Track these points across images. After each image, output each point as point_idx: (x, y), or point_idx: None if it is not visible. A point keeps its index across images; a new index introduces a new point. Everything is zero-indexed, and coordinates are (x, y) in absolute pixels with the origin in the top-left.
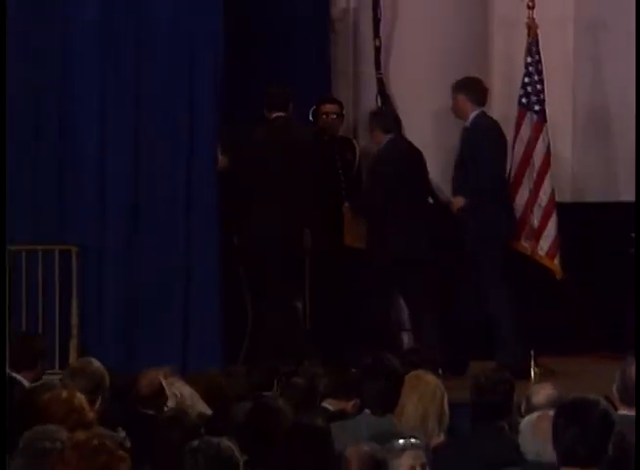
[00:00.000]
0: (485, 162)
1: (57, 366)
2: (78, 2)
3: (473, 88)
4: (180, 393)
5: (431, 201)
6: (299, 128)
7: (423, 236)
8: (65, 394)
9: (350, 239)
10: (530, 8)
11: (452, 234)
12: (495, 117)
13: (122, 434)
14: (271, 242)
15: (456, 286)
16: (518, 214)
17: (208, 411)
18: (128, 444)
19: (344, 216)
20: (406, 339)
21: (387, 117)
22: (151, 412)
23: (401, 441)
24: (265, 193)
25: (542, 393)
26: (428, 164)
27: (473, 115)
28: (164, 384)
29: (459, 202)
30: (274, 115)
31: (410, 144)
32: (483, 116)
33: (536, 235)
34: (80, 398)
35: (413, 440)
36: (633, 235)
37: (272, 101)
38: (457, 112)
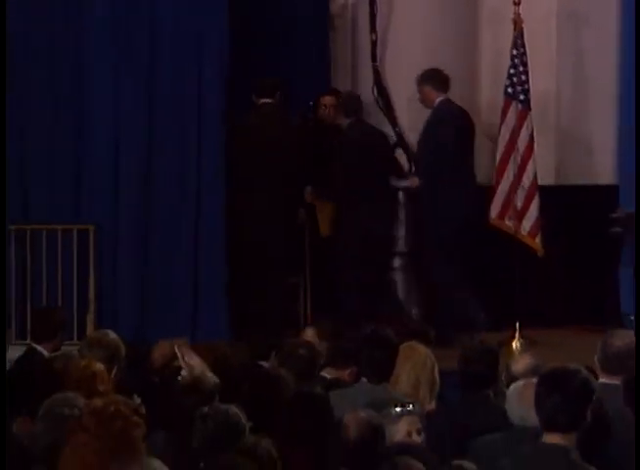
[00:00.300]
0: (439, 146)
1: (75, 338)
2: (92, 2)
3: (436, 78)
4: (191, 363)
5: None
6: (284, 113)
7: (384, 217)
8: (82, 363)
9: (324, 229)
10: (516, 4)
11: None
12: (482, 106)
13: (138, 401)
14: (269, 220)
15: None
16: (503, 196)
17: (216, 380)
18: (143, 410)
19: (316, 206)
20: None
21: (349, 101)
22: (164, 381)
23: (398, 408)
24: (256, 174)
25: (521, 362)
26: None
27: (437, 101)
28: (178, 354)
29: (414, 182)
30: (261, 101)
31: (372, 128)
32: (447, 102)
33: (519, 216)
34: (98, 367)
35: (409, 406)
36: (612, 215)
37: (260, 87)
38: (424, 102)
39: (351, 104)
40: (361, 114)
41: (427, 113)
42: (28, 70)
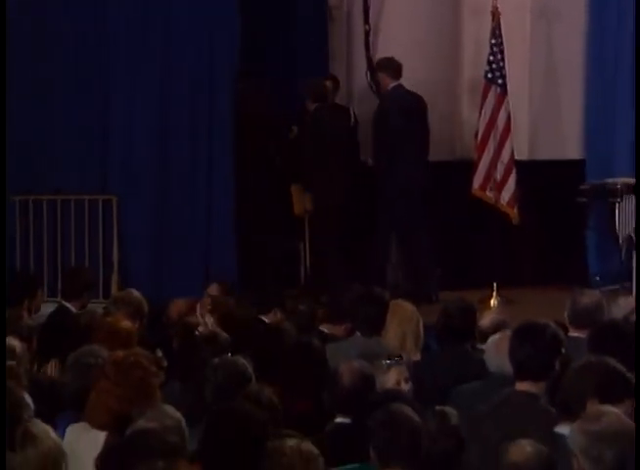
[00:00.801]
0: (390, 127)
1: (100, 296)
2: (113, 2)
3: (390, 66)
4: (205, 318)
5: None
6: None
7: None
8: (108, 319)
9: (298, 210)
10: (496, 10)
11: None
12: (464, 89)
13: (159, 353)
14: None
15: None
16: (484, 170)
17: (224, 334)
18: (164, 362)
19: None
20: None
21: (314, 87)
22: (179, 334)
23: (388, 359)
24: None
25: (488, 318)
26: None
27: (390, 87)
28: (198, 311)
29: (369, 161)
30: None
31: (337, 109)
32: (399, 87)
33: (499, 187)
34: (122, 322)
35: (397, 358)
36: (580, 187)
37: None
38: (380, 88)
39: (317, 90)
40: (327, 98)
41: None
42: (63, 62)
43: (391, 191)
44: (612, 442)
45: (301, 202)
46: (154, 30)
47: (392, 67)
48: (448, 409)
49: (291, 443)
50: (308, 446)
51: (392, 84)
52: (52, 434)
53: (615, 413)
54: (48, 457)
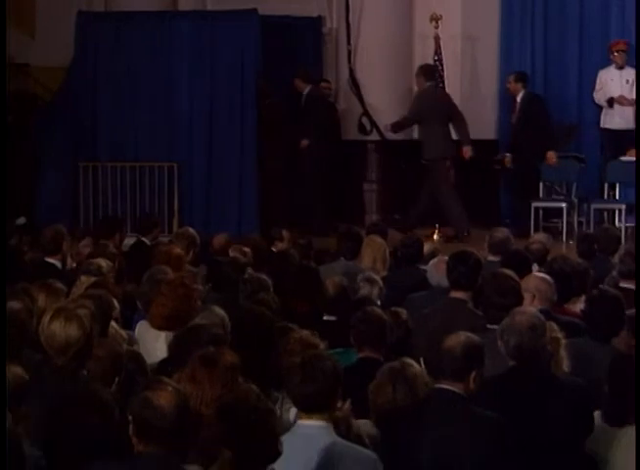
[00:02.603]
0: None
1: (166, 232)
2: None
3: (304, 73)
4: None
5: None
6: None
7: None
8: (172, 248)
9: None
10: (436, 27)
11: None
12: (414, 90)
13: (204, 271)
14: None
15: None
16: None
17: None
18: (202, 281)
19: None
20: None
21: (307, 73)
22: (219, 258)
23: (367, 273)
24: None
25: (424, 247)
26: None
27: (306, 90)
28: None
29: (304, 143)
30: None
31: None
32: (315, 89)
33: None
34: (176, 250)
35: (374, 275)
36: (495, 158)
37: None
38: (297, 89)
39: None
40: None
41: (385, 90)
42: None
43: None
44: (516, 332)
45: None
46: (204, 57)
47: (306, 73)
48: (400, 309)
49: (296, 334)
50: (310, 336)
51: (308, 88)
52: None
53: (526, 313)
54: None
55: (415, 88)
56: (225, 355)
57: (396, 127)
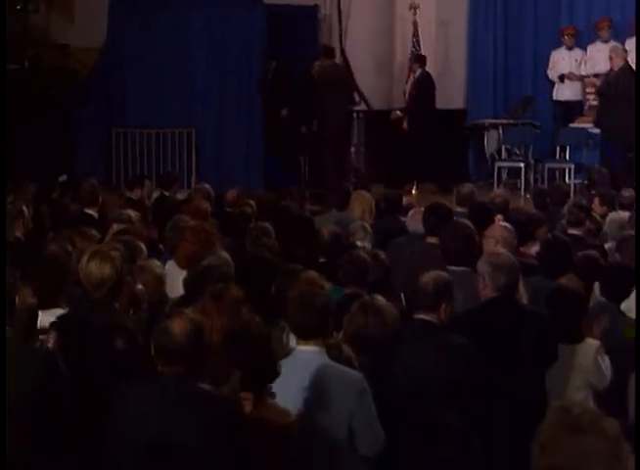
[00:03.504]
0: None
1: (185, 187)
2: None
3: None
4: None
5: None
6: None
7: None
8: (201, 203)
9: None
10: (414, 14)
11: None
12: (398, 65)
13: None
14: None
15: None
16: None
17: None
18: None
19: None
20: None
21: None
22: (229, 210)
23: (360, 222)
24: None
25: (403, 199)
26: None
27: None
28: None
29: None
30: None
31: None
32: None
33: None
34: (201, 201)
35: (366, 224)
36: (464, 124)
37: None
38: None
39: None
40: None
41: (371, 67)
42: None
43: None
44: (505, 270)
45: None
46: (217, 40)
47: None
48: (379, 251)
49: (305, 275)
50: (316, 276)
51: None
52: (159, 265)
53: (506, 253)
54: (158, 278)
55: (397, 64)
56: (231, 290)
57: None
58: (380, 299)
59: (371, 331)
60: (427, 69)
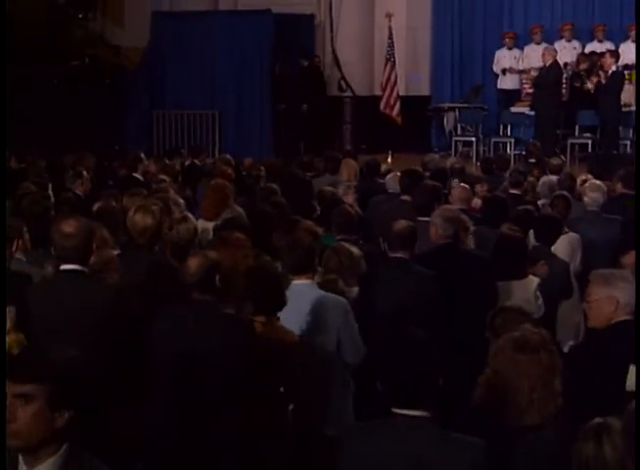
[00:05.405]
0: None
1: (210, 156)
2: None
3: None
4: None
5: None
6: None
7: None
8: (226, 169)
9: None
10: (389, 21)
11: None
12: (375, 64)
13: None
14: None
15: None
16: (386, 100)
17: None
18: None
19: None
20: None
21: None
22: (244, 173)
23: (347, 183)
24: None
25: (382, 166)
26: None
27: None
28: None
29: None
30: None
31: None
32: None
33: (392, 107)
34: (224, 167)
35: (352, 185)
36: (428, 107)
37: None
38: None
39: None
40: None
41: (359, 65)
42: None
43: None
44: (453, 222)
45: None
46: (235, 43)
47: None
48: (355, 206)
49: (303, 224)
50: (312, 225)
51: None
52: (192, 218)
53: (455, 210)
54: (192, 230)
55: (375, 61)
56: (234, 234)
57: None
58: (350, 246)
59: (344, 269)
60: (398, 63)
